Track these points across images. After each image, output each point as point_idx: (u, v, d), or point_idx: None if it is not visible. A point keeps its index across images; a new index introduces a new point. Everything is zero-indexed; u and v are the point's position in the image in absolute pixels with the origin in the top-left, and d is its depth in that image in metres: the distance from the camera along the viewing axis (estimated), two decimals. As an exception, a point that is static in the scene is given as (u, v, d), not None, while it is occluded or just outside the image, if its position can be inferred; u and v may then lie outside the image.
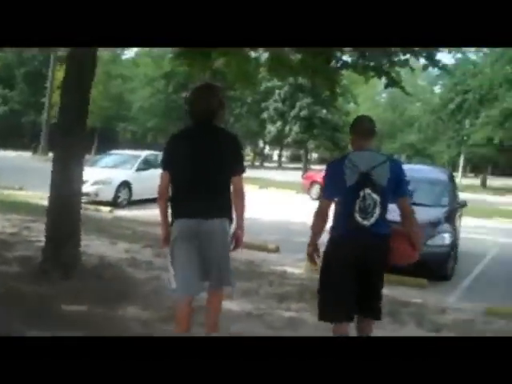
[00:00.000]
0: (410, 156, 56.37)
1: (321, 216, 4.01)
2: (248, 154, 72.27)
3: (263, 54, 8.24)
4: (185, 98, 48.01)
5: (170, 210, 4.14)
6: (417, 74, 39.20)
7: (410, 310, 6.34)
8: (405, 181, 4.06)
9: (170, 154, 4.06)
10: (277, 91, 43.32)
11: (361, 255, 3.86)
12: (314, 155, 64.65)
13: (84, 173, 16.24)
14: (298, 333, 5.18)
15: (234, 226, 4.13)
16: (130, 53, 65.66)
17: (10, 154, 37.67)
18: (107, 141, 46.11)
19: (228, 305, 5.78)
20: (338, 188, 3.93)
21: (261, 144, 67.18)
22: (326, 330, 4.27)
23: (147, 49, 59.44)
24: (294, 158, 70.22)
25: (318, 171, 22.76)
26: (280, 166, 60.07)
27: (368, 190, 3.83)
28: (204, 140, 3.95)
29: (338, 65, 7.63)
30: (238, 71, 8.12)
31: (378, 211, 3.85)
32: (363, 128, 4.09)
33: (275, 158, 74.46)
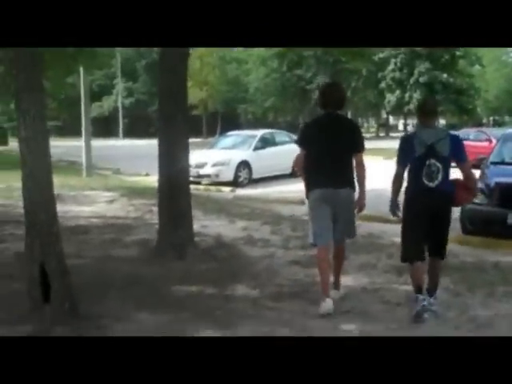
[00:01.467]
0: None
1: (397, 181, 4.94)
2: (372, 125, 70.69)
3: None
4: (298, 76, 47.74)
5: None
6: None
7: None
8: (464, 150, 4.94)
9: (305, 135, 5.24)
10: (392, 60, 41.85)
11: (429, 208, 4.76)
12: (442, 121, 61.74)
13: (204, 155, 16.53)
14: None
15: (356, 193, 5.12)
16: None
17: (140, 142, 39.29)
18: (230, 123, 47.05)
19: (343, 279, 5.50)
20: (409, 158, 4.82)
21: (384, 114, 65.51)
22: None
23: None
24: (420, 127, 67.41)
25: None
26: (406, 135, 57.94)
27: (433, 160, 4.72)
28: (332, 125, 5.07)
29: None
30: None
31: (440, 176, 4.74)
32: (428, 108, 5.00)
33: (401, 127, 72.37)
